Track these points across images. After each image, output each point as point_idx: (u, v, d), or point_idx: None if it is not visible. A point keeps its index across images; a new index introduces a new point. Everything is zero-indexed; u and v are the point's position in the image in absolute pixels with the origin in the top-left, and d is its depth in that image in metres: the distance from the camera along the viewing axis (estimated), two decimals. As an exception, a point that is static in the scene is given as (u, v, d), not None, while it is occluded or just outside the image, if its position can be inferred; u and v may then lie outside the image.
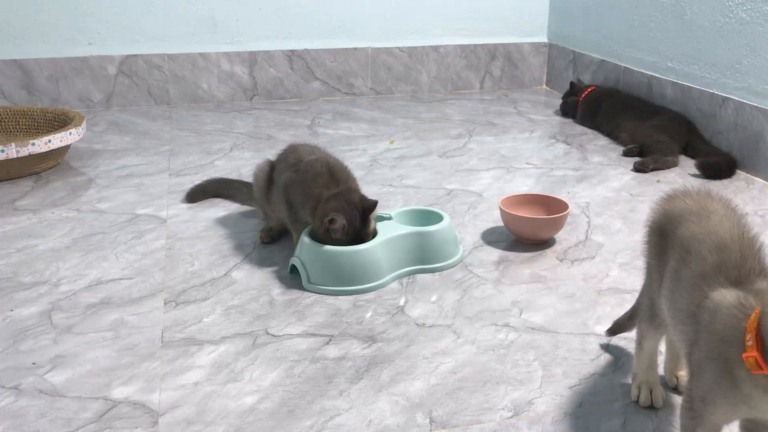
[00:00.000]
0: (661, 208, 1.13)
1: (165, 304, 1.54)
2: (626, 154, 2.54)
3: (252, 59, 3.24)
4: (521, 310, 1.53)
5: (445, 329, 1.45)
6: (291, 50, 3.28)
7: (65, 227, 1.92)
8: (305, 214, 1.67)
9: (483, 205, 2.09)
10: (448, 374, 1.30)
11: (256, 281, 1.65)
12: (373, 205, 1.61)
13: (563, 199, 1.88)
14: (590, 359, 1.35)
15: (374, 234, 1.65)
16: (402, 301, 1.56)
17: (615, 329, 1.38)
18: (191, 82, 3.21)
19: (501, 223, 1.92)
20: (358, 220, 1.59)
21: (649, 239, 1.15)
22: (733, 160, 2.36)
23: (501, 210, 1.84)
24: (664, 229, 1.09)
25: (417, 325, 1.47)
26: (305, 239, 1.63)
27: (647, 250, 1.16)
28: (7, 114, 2.60)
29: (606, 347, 1.39)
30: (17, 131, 2.60)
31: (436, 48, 3.45)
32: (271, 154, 1.99)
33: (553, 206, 1.89)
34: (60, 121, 2.53)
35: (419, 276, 1.68)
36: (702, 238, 0.98)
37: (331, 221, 1.57)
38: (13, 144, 2.14)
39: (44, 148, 2.20)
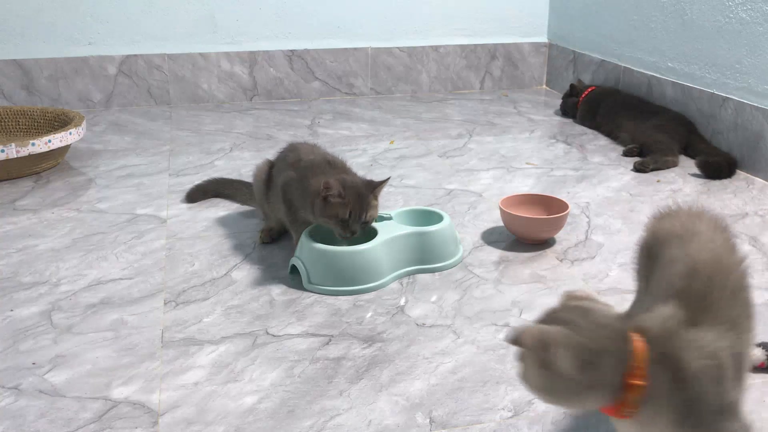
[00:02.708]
0: (651, 227, 1.07)
1: (165, 304, 1.54)
2: (626, 154, 2.54)
3: (252, 59, 3.24)
4: (521, 310, 1.53)
5: (445, 329, 1.45)
6: (291, 50, 3.28)
7: (65, 227, 1.92)
8: (305, 214, 1.66)
9: (483, 205, 2.09)
10: (448, 374, 1.30)
11: (256, 281, 1.65)
12: (381, 182, 1.63)
13: (563, 199, 1.88)
14: (590, 359, 1.35)
15: (371, 225, 1.66)
16: (402, 301, 1.56)
17: None
18: (191, 82, 3.21)
19: (501, 223, 1.92)
20: (359, 190, 1.58)
21: (638, 260, 1.09)
22: (734, 160, 2.36)
23: (501, 210, 1.84)
24: (651, 251, 1.04)
25: (417, 325, 1.47)
26: (305, 239, 1.63)
27: (636, 272, 1.10)
28: (7, 114, 2.60)
29: (606, 347, 1.39)
30: (17, 131, 2.60)
31: (436, 48, 3.45)
32: (271, 154, 1.99)
33: (553, 206, 1.89)
34: (60, 121, 2.53)
35: (419, 276, 1.68)
36: (678, 259, 0.93)
37: (327, 186, 1.55)
38: (13, 144, 2.14)
39: (44, 148, 2.20)
